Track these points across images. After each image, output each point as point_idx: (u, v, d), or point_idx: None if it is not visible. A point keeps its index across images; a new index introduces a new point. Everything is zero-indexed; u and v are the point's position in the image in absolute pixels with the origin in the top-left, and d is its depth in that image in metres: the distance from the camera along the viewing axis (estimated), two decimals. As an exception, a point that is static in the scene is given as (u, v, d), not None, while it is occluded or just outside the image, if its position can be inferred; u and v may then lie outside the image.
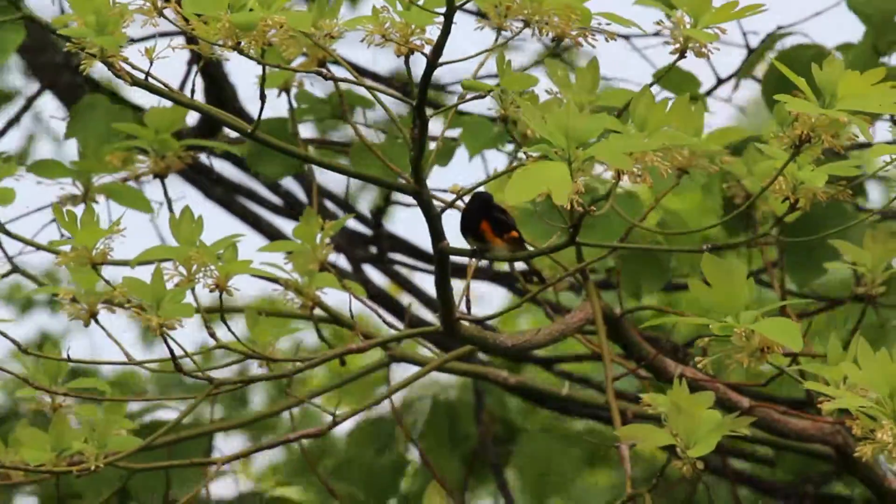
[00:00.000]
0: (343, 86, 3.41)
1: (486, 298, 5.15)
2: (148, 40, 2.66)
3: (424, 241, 2.77)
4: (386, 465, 4.28)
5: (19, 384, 3.00)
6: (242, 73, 4.12)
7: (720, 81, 3.97)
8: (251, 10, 2.62)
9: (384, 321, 3.36)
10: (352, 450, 4.31)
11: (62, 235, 2.96)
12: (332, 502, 3.92)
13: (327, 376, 5.00)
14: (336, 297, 3.25)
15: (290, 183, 4.06)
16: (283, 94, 3.51)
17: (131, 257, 2.90)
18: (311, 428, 3.17)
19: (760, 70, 3.87)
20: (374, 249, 4.11)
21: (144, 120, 3.41)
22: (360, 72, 4.08)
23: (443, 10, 2.61)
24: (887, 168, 2.68)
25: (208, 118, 3.16)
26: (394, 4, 2.70)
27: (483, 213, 2.90)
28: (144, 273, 2.83)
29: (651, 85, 2.80)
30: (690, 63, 3.76)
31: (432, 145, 3.65)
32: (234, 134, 2.77)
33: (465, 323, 2.91)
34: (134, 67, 2.67)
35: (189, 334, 2.92)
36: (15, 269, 3.30)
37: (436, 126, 3.36)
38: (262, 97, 2.74)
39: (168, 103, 3.26)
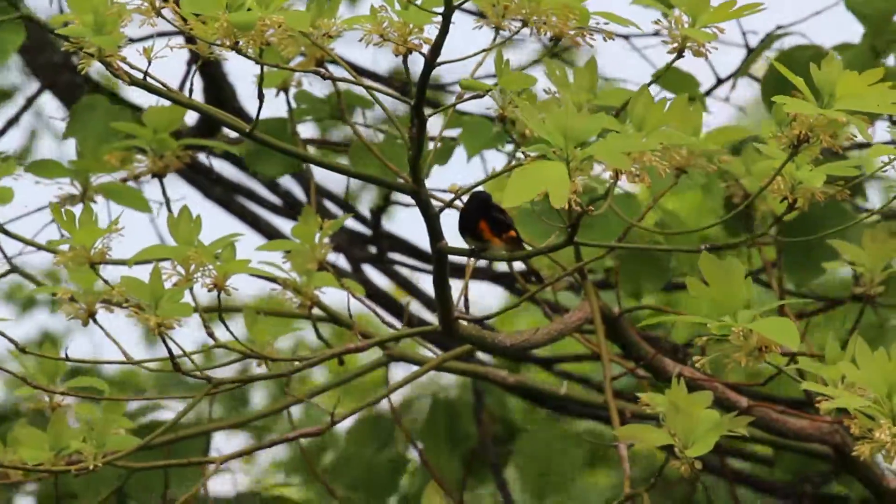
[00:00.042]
0: (343, 86, 3.41)
1: (486, 298, 5.17)
2: (147, 40, 2.66)
3: (424, 241, 2.78)
4: (385, 464, 4.28)
5: (20, 383, 3.01)
6: (242, 72, 4.13)
7: (720, 81, 3.97)
8: (249, 9, 2.63)
9: (382, 321, 3.36)
10: (351, 447, 4.31)
11: (62, 235, 2.96)
12: (332, 501, 3.91)
13: (328, 376, 5.00)
14: (336, 297, 3.25)
15: (289, 182, 4.06)
16: (283, 94, 3.51)
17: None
18: (311, 427, 3.17)
19: (760, 70, 3.87)
20: (373, 249, 4.11)
21: (143, 119, 3.41)
22: (359, 71, 4.09)
23: (441, 9, 2.61)
24: (885, 168, 2.68)
25: (208, 118, 3.16)
26: (392, 4, 2.71)
27: (482, 213, 2.90)
28: (143, 273, 2.83)
29: (649, 84, 2.80)
30: (691, 63, 3.76)
31: (432, 145, 3.67)
32: (234, 134, 2.77)
33: (464, 322, 2.91)
34: (132, 67, 2.67)
35: (190, 334, 2.93)
36: (13, 269, 3.30)
37: (436, 126, 3.37)
38: (261, 97, 2.74)
39: (167, 103, 3.26)
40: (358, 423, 4.27)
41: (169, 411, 3.93)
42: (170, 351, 2.86)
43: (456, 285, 2.94)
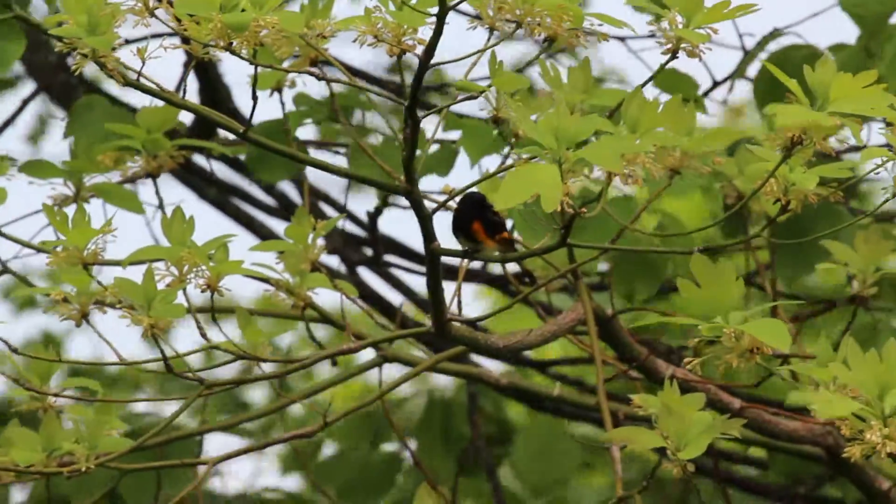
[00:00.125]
0: (343, 87, 3.41)
1: (479, 300, 5.16)
2: (142, 41, 2.66)
3: (419, 243, 2.78)
4: (379, 463, 4.28)
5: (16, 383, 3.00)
6: (237, 74, 4.13)
7: (716, 84, 3.98)
8: (243, 10, 2.63)
9: (376, 322, 3.36)
10: (344, 442, 4.31)
11: (58, 237, 2.96)
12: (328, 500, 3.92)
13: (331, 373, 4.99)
14: (331, 299, 3.26)
15: (283, 184, 4.06)
16: (277, 95, 3.51)
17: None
18: (305, 428, 3.18)
19: (754, 70, 3.87)
20: (368, 252, 4.10)
21: (136, 120, 3.41)
22: (356, 72, 4.09)
23: (435, 10, 2.62)
24: (878, 170, 2.68)
25: (204, 119, 3.16)
26: (386, 4, 2.71)
27: (476, 214, 2.90)
28: (138, 274, 2.83)
29: (643, 85, 2.80)
30: (688, 66, 3.77)
31: (434, 147, 3.67)
32: (231, 135, 2.77)
33: (457, 324, 2.91)
34: (127, 68, 2.67)
35: (190, 335, 2.93)
36: (5, 270, 3.30)
37: (431, 128, 3.37)
38: (254, 98, 2.74)
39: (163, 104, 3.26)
40: (350, 421, 4.27)
41: (171, 406, 3.93)
42: (162, 352, 2.86)
43: (450, 287, 2.94)
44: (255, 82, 2.73)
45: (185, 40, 2.71)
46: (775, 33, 3.74)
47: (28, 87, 4.11)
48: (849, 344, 2.57)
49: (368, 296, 4.00)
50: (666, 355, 3.67)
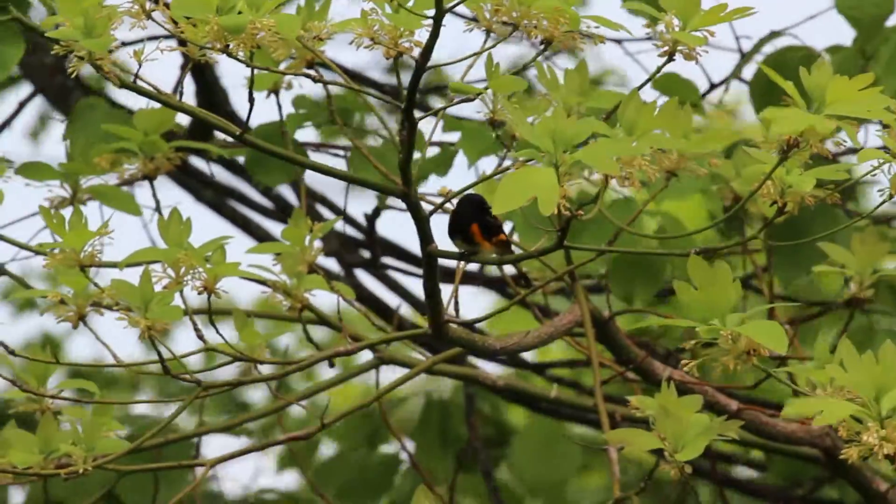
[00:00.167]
0: (342, 89, 3.41)
1: (477, 302, 5.16)
2: (139, 43, 2.67)
3: (416, 246, 2.79)
4: (377, 465, 4.28)
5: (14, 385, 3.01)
6: (234, 76, 4.13)
7: (713, 86, 3.98)
8: (239, 12, 2.63)
9: (373, 323, 3.36)
10: (342, 443, 4.31)
11: (55, 239, 2.96)
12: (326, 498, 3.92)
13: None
14: (329, 301, 3.26)
15: (281, 186, 4.06)
16: (274, 97, 3.51)
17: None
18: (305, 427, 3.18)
19: (751, 72, 3.87)
20: (366, 254, 4.10)
21: (133, 122, 3.40)
22: (354, 75, 4.09)
23: (432, 12, 2.62)
24: (875, 173, 2.68)
25: (202, 121, 3.17)
26: (382, 7, 2.71)
27: (474, 216, 2.90)
28: (135, 276, 2.83)
29: (640, 88, 2.81)
30: (686, 69, 3.77)
31: (433, 149, 3.68)
32: (228, 137, 2.78)
33: (454, 326, 2.91)
34: (123, 70, 2.68)
35: (189, 336, 2.93)
36: (3, 272, 3.30)
37: (437, 129, 3.37)
38: (251, 100, 2.74)
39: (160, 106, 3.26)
40: (348, 422, 4.27)
41: (171, 408, 3.92)
42: (159, 354, 2.86)
43: (448, 289, 2.95)
44: (251, 84, 2.73)
45: (182, 42, 2.71)
46: (772, 35, 3.74)
47: (25, 88, 4.11)
48: (845, 346, 2.57)
49: (365, 298, 4.00)
50: (663, 358, 3.68)
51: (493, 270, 4.04)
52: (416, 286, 4.11)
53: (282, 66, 3.20)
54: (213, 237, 2.87)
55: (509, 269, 3.50)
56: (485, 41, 2.77)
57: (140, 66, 2.66)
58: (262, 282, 3.17)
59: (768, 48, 3.73)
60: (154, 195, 3.41)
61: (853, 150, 3.47)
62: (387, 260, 4.09)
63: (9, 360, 2.99)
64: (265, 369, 3.09)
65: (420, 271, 2.85)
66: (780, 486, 4.16)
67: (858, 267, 3.35)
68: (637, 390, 3.44)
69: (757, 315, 2.65)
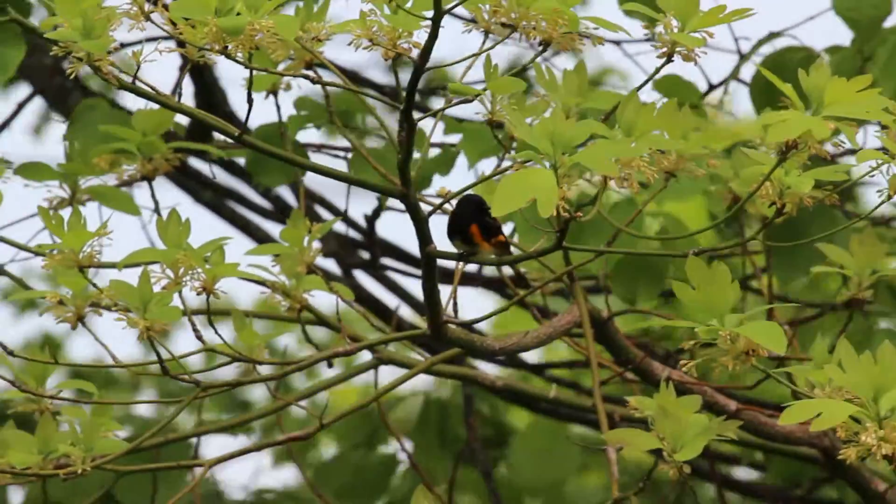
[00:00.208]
0: (342, 90, 3.41)
1: (477, 303, 5.16)
2: (138, 44, 2.67)
3: (415, 246, 2.79)
4: (376, 465, 4.28)
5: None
6: (233, 73, 4.13)
7: (711, 87, 3.98)
8: (238, 14, 2.63)
9: (371, 324, 3.36)
10: (342, 444, 4.31)
11: (54, 240, 2.96)
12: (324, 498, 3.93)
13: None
14: (328, 301, 3.26)
15: (280, 187, 4.06)
16: (273, 98, 3.51)
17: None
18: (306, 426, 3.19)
19: (749, 72, 3.87)
20: (365, 255, 4.11)
21: (131, 122, 3.41)
22: (353, 75, 4.09)
23: (430, 14, 2.62)
24: (873, 173, 2.68)
25: (201, 122, 3.16)
26: (381, 8, 2.71)
27: (474, 217, 2.90)
28: (134, 276, 2.84)
29: (639, 89, 2.81)
30: (685, 70, 3.77)
31: (434, 151, 3.68)
32: (227, 138, 2.78)
33: (452, 326, 2.91)
34: (122, 71, 2.68)
35: (190, 336, 2.93)
36: (2, 273, 3.30)
37: (437, 131, 3.37)
38: (250, 101, 2.74)
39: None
40: (348, 422, 4.27)
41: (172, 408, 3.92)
42: (158, 354, 2.86)
43: (447, 290, 2.95)
44: (250, 86, 2.73)
45: (181, 44, 2.72)
46: (771, 36, 3.74)
47: (23, 89, 4.11)
48: (844, 346, 2.57)
49: (365, 299, 4.00)
50: (662, 358, 3.68)
51: (492, 271, 4.04)
52: (415, 287, 4.12)
53: (280, 67, 3.20)
54: (211, 238, 2.87)
55: (508, 270, 3.51)
56: (483, 42, 2.77)
57: (139, 67, 2.67)
58: (261, 282, 3.18)
59: (767, 49, 3.74)
60: (153, 196, 3.42)
61: (852, 151, 3.47)
62: (386, 261, 4.09)
63: (8, 360, 2.99)
64: (265, 370, 3.09)
65: (419, 272, 2.86)
66: (779, 487, 4.16)
67: (857, 268, 3.35)
68: (636, 391, 3.44)
69: (756, 316, 2.65)
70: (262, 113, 3.55)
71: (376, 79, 4.20)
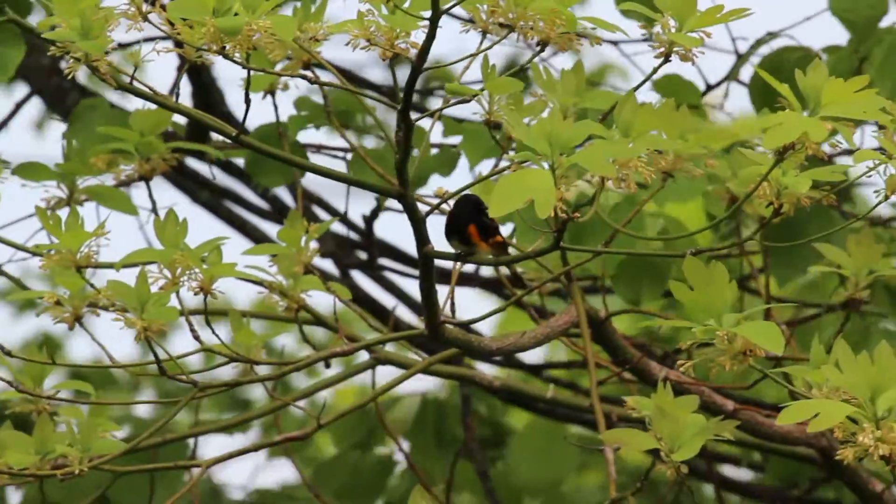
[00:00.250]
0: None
1: (477, 304, 5.16)
2: (135, 45, 2.67)
3: (413, 247, 2.79)
4: (373, 465, 4.28)
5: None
6: (231, 72, 4.13)
7: (709, 87, 3.98)
8: (236, 14, 2.63)
9: (369, 324, 3.36)
10: (339, 444, 4.31)
11: (51, 240, 2.96)
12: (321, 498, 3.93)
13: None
14: (326, 301, 3.26)
15: (277, 188, 4.06)
16: (272, 99, 3.51)
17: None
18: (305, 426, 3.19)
19: (747, 73, 3.87)
20: (363, 255, 4.11)
21: (129, 122, 3.40)
22: (351, 76, 4.09)
23: (428, 14, 2.62)
24: (870, 174, 2.68)
25: (199, 123, 3.16)
26: (379, 8, 2.71)
27: (472, 216, 2.90)
28: (131, 277, 2.84)
29: (636, 89, 2.81)
30: (682, 70, 3.77)
31: (434, 151, 3.68)
32: (224, 139, 2.78)
33: (450, 326, 2.91)
34: (119, 71, 2.68)
35: (188, 336, 2.93)
36: (0, 273, 3.30)
37: (435, 131, 3.37)
38: (247, 101, 2.74)
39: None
40: (344, 423, 4.27)
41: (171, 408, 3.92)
42: (155, 354, 2.86)
43: (444, 290, 2.95)
44: (247, 86, 2.73)
45: (179, 44, 2.72)
46: (768, 37, 3.74)
47: (21, 89, 4.11)
48: (841, 346, 2.57)
49: (362, 299, 4.00)
50: (660, 358, 3.68)
51: (490, 271, 4.04)
52: (412, 287, 4.12)
53: (278, 67, 3.20)
54: (209, 238, 2.87)
55: (506, 270, 3.51)
56: (481, 42, 2.77)
57: (136, 67, 2.67)
58: (259, 283, 3.18)
59: (764, 49, 3.74)
60: (150, 196, 3.41)
61: (849, 151, 3.47)
62: (383, 261, 4.10)
63: (6, 360, 2.99)
64: (263, 370, 3.09)
65: (416, 272, 2.86)
66: (777, 487, 4.16)
67: (854, 268, 3.36)
68: (633, 391, 3.44)
69: (754, 316, 2.65)
70: (262, 113, 3.55)
71: (376, 77, 4.21)
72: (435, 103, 4.19)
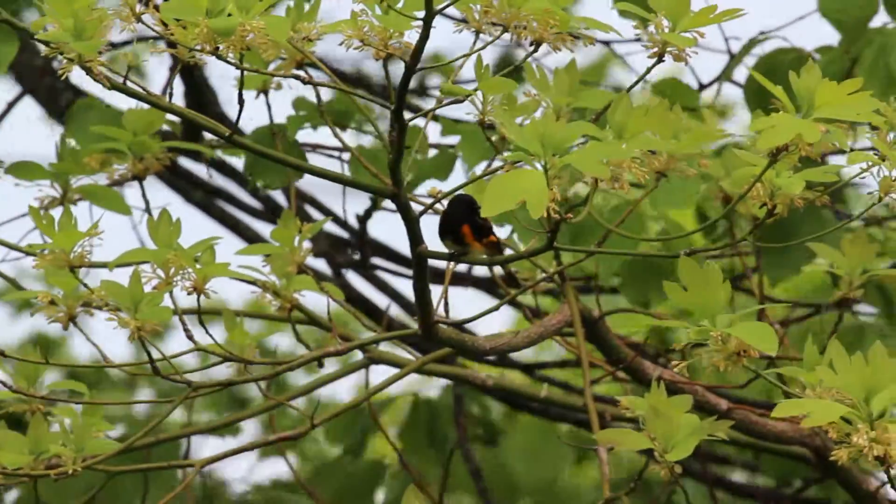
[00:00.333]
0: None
1: (470, 304, 5.16)
2: (128, 45, 2.66)
3: (406, 246, 2.79)
4: (366, 465, 4.29)
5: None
6: (223, 70, 4.13)
7: (702, 87, 3.99)
8: (229, 14, 2.63)
9: (363, 324, 3.37)
10: (333, 443, 4.32)
11: (45, 240, 2.96)
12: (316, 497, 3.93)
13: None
14: (319, 301, 3.26)
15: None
16: (265, 98, 3.51)
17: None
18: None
19: (743, 75, 3.88)
20: (356, 255, 4.11)
21: (122, 122, 3.40)
22: (346, 75, 4.09)
23: (421, 14, 2.62)
24: (864, 175, 2.68)
25: (192, 123, 3.16)
26: (372, 8, 2.71)
27: (465, 216, 2.90)
28: (124, 276, 2.83)
29: (629, 89, 2.81)
30: (677, 70, 3.78)
31: (432, 152, 3.68)
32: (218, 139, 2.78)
33: (443, 326, 2.91)
34: (113, 71, 2.67)
35: (183, 336, 2.93)
36: (-4, 272, 3.31)
37: (434, 131, 3.37)
38: (241, 101, 2.74)
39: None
40: (338, 422, 4.27)
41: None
42: (149, 354, 2.86)
43: (438, 290, 2.95)
44: (241, 86, 2.73)
45: (172, 44, 2.71)
46: (761, 37, 3.75)
47: (13, 88, 4.10)
48: (835, 347, 2.57)
49: (355, 298, 4.00)
50: (654, 358, 3.68)
51: (483, 271, 4.05)
52: (405, 287, 4.12)
53: (272, 67, 3.20)
54: (202, 238, 2.87)
55: (499, 270, 3.51)
56: (474, 42, 2.77)
57: (129, 68, 2.66)
58: (252, 282, 3.18)
59: (757, 50, 3.74)
60: (144, 196, 3.41)
61: (842, 152, 3.48)
62: (376, 261, 4.10)
63: (0, 360, 2.99)
64: (257, 369, 3.09)
65: (410, 272, 2.86)
66: (770, 487, 4.16)
67: (848, 268, 3.36)
68: (627, 390, 3.44)
69: (747, 316, 2.65)
70: (261, 113, 3.55)
71: (376, 69, 4.20)
72: (431, 103, 4.19)
